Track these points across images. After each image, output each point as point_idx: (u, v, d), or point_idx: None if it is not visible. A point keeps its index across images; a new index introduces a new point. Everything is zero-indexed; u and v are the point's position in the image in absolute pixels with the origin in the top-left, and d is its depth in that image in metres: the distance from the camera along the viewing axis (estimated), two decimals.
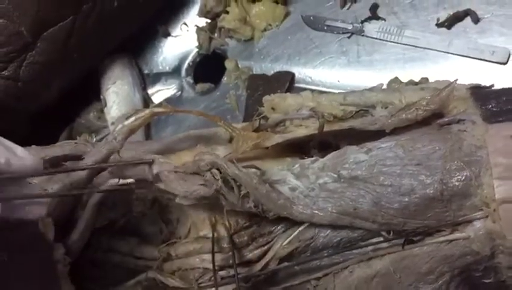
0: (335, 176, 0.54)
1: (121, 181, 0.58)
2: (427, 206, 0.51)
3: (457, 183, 0.50)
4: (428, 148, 0.52)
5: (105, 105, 0.88)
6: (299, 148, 0.60)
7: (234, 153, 0.57)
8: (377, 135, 0.57)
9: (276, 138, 0.57)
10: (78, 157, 0.65)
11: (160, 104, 0.85)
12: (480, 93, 0.54)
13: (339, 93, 0.60)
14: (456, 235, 0.51)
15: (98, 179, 0.61)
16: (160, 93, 0.90)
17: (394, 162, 0.52)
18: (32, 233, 0.60)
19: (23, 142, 0.70)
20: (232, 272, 0.55)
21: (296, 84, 0.80)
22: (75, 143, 0.69)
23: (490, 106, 0.52)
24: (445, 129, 0.52)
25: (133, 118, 0.61)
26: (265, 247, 0.55)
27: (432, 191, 0.51)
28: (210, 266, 0.55)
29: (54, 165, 0.67)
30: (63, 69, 0.81)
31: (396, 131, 0.54)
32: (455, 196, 0.51)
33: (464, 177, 0.50)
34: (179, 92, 0.89)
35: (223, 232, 0.57)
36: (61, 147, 0.68)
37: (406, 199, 0.51)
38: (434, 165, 0.51)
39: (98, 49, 0.85)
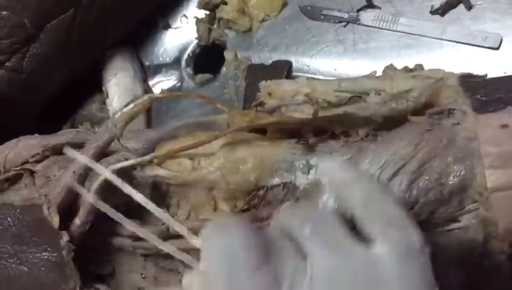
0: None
1: (122, 164, 0.60)
2: (431, 211, 0.52)
3: (454, 180, 0.51)
4: (424, 151, 0.52)
5: (107, 96, 0.89)
6: (295, 134, 0.61)
7: (230, 129, 0.58)
8: (369, 122, 0.58)
9: (271, 119, 0.58)
10: (80, 145, 0.67)
11: None
12: (469, 83, 0.55)
13: (333, 79, 0.61)
14: (452, 225, 0.52)
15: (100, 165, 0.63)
16: (161, 84, 0.91)
17: (395, 176, 0.53)
18: (37, 221, 0.62)
19: (29, 134, 0.72)
20: None
21: (294, 73, 0.81)
22: (77, 131, 0.70)
23: (479, 95, 0.52)
24: (438, 126, 0.53)
25: (132, 105, 0.62)
26: None
27: (432, 195, 0.52)
28: None
29: (56, 153, 0.69)
30: (65, 60, 0.83)
31: (386, 136, 0.55)
32: (454, 193, 0.52)
33: (459, 173, 0.51)
34: (179, 83, 0.90)
35: None
36: (64, 135, 0.70)
37: (411, 213, 0.51)
38: (431, 167, 0.52)
39: (99, 42, 0.86)
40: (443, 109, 0.53)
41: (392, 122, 0.55)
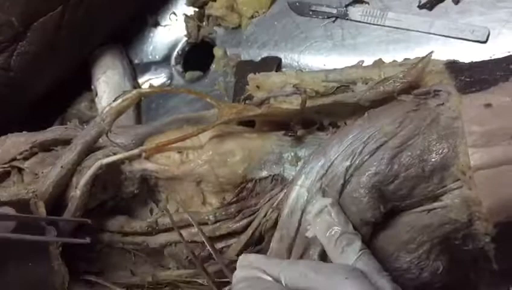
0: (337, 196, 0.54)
1: (110, 159, 0.60)
2: (411, 187, 0.52)
3: (436, 157, 0.51)
4: (408, 128, 0.52)
5: (96, 95, 0.89)
6: (283, 126, 0.61)
7: (218, 121, 0.58)
8: (357, 111, 0.58)
9: (259, 110, 0.58)
10: (68, 142, 0.66)
11: None
12: (455, 66, 0.55)
13: (321, 71, 0.61)
14: (434, 204, 0.52)
15: (87, 161, 0.62)
16: (151, 82, 0.91)
17: (377, 150, 0.53)
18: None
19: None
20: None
21: (283, 69, 0.81)
22: (65, 128, 0.70)
23: (464, 76, 0.52)
24: (423, 106, 0.53)
25: (120, 100, 0.62)
26: (251, 217, 0.56)
27: (414, 170, 0.52)
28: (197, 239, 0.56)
29: (44, 150, 0.69)
30: (53, 58, 0.82)
31: (373, 113, 0.55)
32: (435, 170, 0.52)
33: (442, 150, 0.51)
34: (169, 81, 0.90)
35: (210, 207, 0.59)
36: (52, 132, 0.69)
37: (391, 187, 0.52)
38: (414, 144, 0.52)
39: (88, 39, 0.86)
40: (428, 89, 0.53)
41: (380, 102, 0.55)
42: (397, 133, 0.52)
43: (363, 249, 0.49)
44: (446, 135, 0.51)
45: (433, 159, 0.51)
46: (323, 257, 0.53)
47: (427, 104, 0.52)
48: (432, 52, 0.55)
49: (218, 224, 0.57)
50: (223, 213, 0.57)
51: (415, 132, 0.52)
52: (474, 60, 0.62)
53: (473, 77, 0.52)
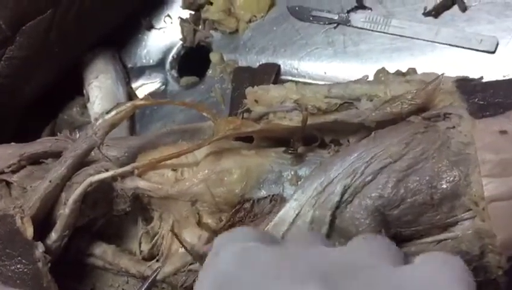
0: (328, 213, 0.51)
1: (102, 176, 0.57)
2: (418, 214, 0.50)
3: (446, 185, 0.49)
4: (416, 151, 0.50)
5: (88, 100, 0.86)
6: (283, 143, 0.58)
7: (214, 138, 0.56)
8: (361, 129, 0.56)
9: (258, 126, 0.55)
10: (58, 154, 0.63)
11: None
12: (466, 86, 0.52)
13: (323, 85, 0.58)
14: (445, 235, 0.50)
15: (77, 176, 0.60)
16: (145, 87, 0.88)
17: (381, 171, 0.50)
18: (11, 232, 0.59)
19: (6, 140, 0.69)
20: None
21: (282, 76, 0.78)
22: (56, 139, 0.67)
23: (477, 99, 0.50)
24: (432, 128, 0.51)
25: (114, 112, 0.59)
26: None
27: (421, 197, 0.49)
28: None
29: (33, 163, 0.66)
30: (43, 63, 0.80)
31: (380, 133, 0.52)
32: (445, 199, 0.49)
33: (452, 178, 0.49)
34: (163, 86, 0.87)
35: (206, 229, 0.56)
36: (42, 144, 0.66)
37: (396, 212, 0.50)
38: (423, 168, 0.50)
39: (79, 43, 0.83)
40: (439, 112, 0.50)
41: (386, 123, 0.53)
42: (403, 155, 0.49)
43: None
44: (457, 161, 0.48)
45: (443, 187, 0.48)
46: None
47: (436, 126, 0.50)
48: (443, 74, 0.52)
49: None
50: None
51: (422, 155, 0.49)
52: (482, 71, 0.59)
53: (486, 100, 0.49)
